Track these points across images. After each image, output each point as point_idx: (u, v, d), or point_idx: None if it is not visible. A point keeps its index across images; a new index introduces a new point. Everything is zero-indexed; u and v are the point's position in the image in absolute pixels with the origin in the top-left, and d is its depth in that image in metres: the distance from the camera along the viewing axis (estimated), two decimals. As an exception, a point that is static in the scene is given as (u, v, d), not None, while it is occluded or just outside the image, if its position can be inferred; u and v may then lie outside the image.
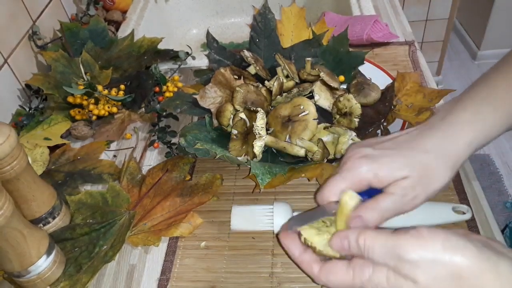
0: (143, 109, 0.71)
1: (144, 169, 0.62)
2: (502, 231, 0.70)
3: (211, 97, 0.63)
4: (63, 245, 0.51)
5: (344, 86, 0.67)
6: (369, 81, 0.65)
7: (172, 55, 0.79)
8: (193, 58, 0.81)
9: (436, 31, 1.81)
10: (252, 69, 0.67)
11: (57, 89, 0.71)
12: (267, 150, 0.58)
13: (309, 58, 0.66)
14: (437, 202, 0.52)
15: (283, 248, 0.40)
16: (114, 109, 0.69)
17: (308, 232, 0.38)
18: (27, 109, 0.73)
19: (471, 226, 0.50)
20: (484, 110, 0.39)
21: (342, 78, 0.67)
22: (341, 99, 0.61)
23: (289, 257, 0.40)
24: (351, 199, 0.37)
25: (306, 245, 0.38)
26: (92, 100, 0.68)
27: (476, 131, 0.39)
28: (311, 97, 0.63)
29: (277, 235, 0.47)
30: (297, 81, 0.65)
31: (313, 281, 0.37)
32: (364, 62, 0.68)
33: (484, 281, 0.27)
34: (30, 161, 0.49)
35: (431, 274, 0.28)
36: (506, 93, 0.39)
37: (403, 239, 0.30)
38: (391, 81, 0.65)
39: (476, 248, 0.28)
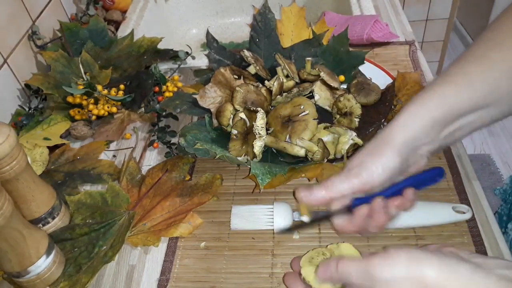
0: (143, 109, 0.71)
1: (144, 169, 0.62)
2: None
3: (211, 97, 0.63)
4: (62, 245, 0.51)
5: (344, 86, 0.67)
6: (369, 81, 0.65)
7: (172, 55, 0.79)
8: (193, 58, 0.81)
9: (436, 31, 1.81)
10: (252, 69, 0.66)
11: (57, 89, 0.71)
12: (267, 150, 0.58)
13: (309, 58, 0.66)
14: (438, 202, 0.51)
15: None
16: (114, 109, 0.69)
17: (307, 270, 0.41)
18: (27, 109, 0.73)
19: (472, 226, 0.50)
20: (444, 86, 0.39)
21: (342, 78, 0.67)
22: (341, 99, 0.61)
23: None
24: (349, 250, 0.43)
25: (305, 283, 0.41)
26: (92, 100, 0.68)
27: (435, 106, 0.38)
28: (311, 97, 0.63)
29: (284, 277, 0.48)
30: (297, 81, 0.65)
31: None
32: (364, 62, 0.68)
33: (447, 285, 0.29)
34: (29, 161, 0.49)
35: None
36: (466, 69, 0.38)
37: (373, 260, 0.32)
38: (391, 81, 0.65)
39: (436, 258, 0.30)
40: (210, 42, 0.71)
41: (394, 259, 0.31)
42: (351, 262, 0.34)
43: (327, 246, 0.45)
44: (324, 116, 0.61)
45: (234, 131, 0.57)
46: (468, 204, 0.52)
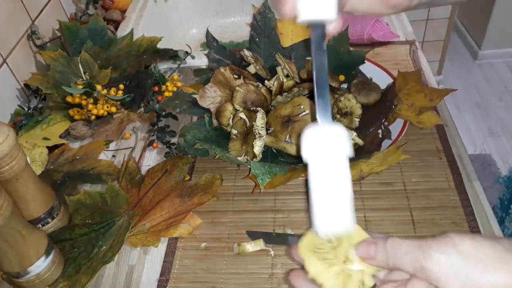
0: (142, 108, 0.71)
1: (143, 169, 0.61)
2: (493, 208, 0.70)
3: (210, 96, 0.63)
4: (62, 246, 0.51)
5: (345, 86, 0.67)
6: (370, 80, 0.65)
7: (172, 55, 0.78)
8: (193, 57, 0.81)
9: (437, 31, 1.81)
10: (252, 69, 0.66)
11: (56, 89, 0.71)
12: (267, 150, 0.58)
13: (309, 58, 0.65)
14: None
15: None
16: (113, 109, 0.69)
17: (315, 267, 0.33)
18: (26, 109, 0.73)
19: (472, 226, 0.50)
20: None
21: (342, 77, 0.67)
22: (342, 98, 0.61)
23: None
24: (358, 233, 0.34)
25: (316, 284, 0.33)
26: (91, 100, 0.68)
27: None
28: (311, 97, 0.62)
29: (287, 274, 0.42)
30: (297, 80, 0.65)
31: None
32: (365, 61, 0.68)
33: None
34: (29, 161, 0.48)
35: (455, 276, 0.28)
36: None
37: (432, 241, 0.30)
38: (392, 80, 0.65)
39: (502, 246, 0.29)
40: (210, 42, 0.71)
41: (456, 243, 0.29)
42: (404, 240, 0.31)
43: None
44: (324, 116, 0.61)
45: (234, 131, 0.57)
46: (469, 205, 0.52)
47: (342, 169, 0.32)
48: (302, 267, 0.33)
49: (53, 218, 0.52)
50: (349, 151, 0.32)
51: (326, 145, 0.32)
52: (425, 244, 0.29)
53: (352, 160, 0.54)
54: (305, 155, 0.32)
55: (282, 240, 0.51)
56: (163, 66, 0.80)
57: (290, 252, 0.36)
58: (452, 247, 0.29)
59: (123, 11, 0.97)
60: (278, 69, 0.66)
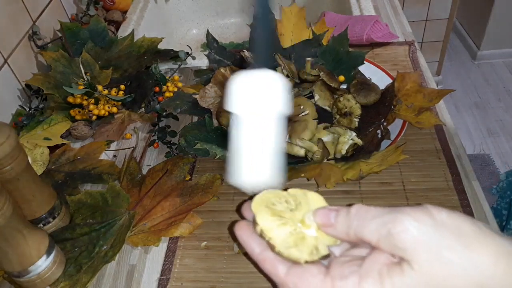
0: (143, 109, 0.71)
1: (144, 169, 0.62)
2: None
3: (211, 97, 0.63)
4: (63, 245, 0.51)
5: (344, 86, 0.67)
6: (369, 81, 0.65)
7: (172, 55, 0.79)
8: (193, 58, 0.81)
9: (436, 31, 1.81)
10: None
11: (57, 89, 0.71)
12: (267, 150, 0.58)
13: (309, 58, 0.66)
14: None
15: (236, 239, 0.31)
16: (114, 109, 0.69)
17: (266, 222, 0.28)
18: (27, 109, 0.73)
19: (471, 226, 0.50)
20: None
21: (342, 78, 0.67)
22: (341, 99, 0.61)
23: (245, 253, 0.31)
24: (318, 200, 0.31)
25: (263, 238, 0.28)
26: (92, 100, 0.68)
27: None
28: (311, 97, 0.63)
29: (230, 226, 0.36)
30: (297, 81, 0.65)
31: (274, 286, 0.29)
32: (364, 62, 0.68)
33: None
34: (30, 161, 0.49)
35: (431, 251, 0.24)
36: None
37: (404, 207, 0.26)
38: (391, 81, 0.65)
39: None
40: (210, 42, 0.71)
41: (433, 212, 0.25)
42: (372, 207, 0.27)
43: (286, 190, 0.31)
44: (324, 116, 0.61)
45: (234, 131, 0.57)
46: (468, 205, 0.52)
47: (273, 123, 0.27)
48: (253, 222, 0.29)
49: (54, 218, 0.52)
50: (283, 104, 0.26)
51: (256, 94, 0.26)
52: (397, 209, 0.26)
53: (351, 160, 0.55)
54: (232, 104, 0.27)
55: None
56: (163, 67, 0.80)
57: (240, 207, 0.31)
58: (428, 215, 0.25)
59: (124, 12, 0.97)
60: (278, 69, 0.66)
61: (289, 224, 0.29)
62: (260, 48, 0.29)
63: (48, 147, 0.63)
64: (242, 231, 0.30)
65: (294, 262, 0.28)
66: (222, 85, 0.64)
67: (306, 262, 0.27)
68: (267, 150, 0.28)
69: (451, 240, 0.24)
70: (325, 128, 0.58)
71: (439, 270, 0.24)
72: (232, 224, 0.32)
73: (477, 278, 0.24)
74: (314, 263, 0.28)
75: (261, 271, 0.29)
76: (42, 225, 0.51)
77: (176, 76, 0.76)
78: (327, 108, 0.62)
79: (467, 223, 0.25)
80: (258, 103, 0.26)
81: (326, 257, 0.28)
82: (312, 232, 0.29)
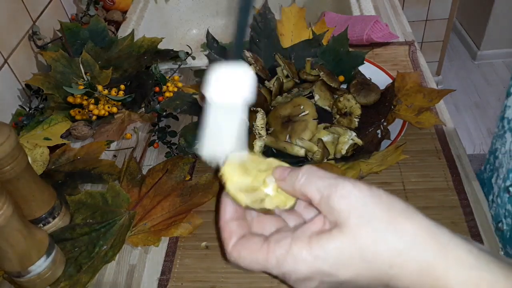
0: (143, 109, 0.71)
1: (144, 169, 0.62)
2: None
3: (211, 97, 0.63)
4: (63, 245, 0.51)
5: (344, 86, 0.67)
6: (369, 81, 0.65)
7: (172, 55, 0.79)
8: (193, 58, 0.81)
9: (436, 31, 1.81)
10: (252, 69, 0.66)
11: (57, 89, 0.71)
12: (267, 150, 0.58)
13: (309, 58, 0.66)
14: None
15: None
16: (114, 109, 0.69)
17: (231, 169, 0.32)
18: (27, 109, 0.73)
19: (471, 226, 0.50)
20: None
21: (342, 78, 0.67)
22: (341, 99, 0.61)
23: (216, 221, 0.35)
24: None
25: (221, 181, 0.32)
26: (92, 100, 0.68)
27: None
28: (311, 97, 0.63)
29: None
30: (297, 81, 0.65)
31: (224, 258, 0.31)
32: (364, 62, 0.68)
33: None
34: (30, 161, 0.49)
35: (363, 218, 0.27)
36: None
37: (349, 178, 0.29)
38: (391, 81, 0.65)
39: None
40: (210, 42, 0.71)
41: (373, 189, 0.28)
42: (321, 169, 0.30)
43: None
44: (324, 116, 0.61)
45: (234, 131, 0.57)
46: (468, 205, 0.52)
47: (238, 107, 0.32)
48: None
49: (54, 218, 0.52)
50: (248, 92, 0.32)
51: (227, 82, 0.32)
52: (342, 177, 0.29)
53: (351, 160, 0.55)
54: (206, 90, 0.32)
55: None
56: (163, 67, 0.80)
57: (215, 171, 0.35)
58: (368, 188, 0.28)
59: (124, 12, 0.97)
60: (278, 69, 0.66)
61: (250, 177, 0.32)
62: (237, 36, 0.34)
63: (48, 147, 0.63)
64: (226, 197, 0.33)
65: (237, 204, 0.31)
66: (222, 85, 0.64)
67: (247, 206, 0.31)
68: (232, 128, 0.32)
69: (382, 211, 0.27)
70: (325, 128, 0.58)
71: (365, 235, 0.27)
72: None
73: (398, 246, 0.26)
74: (254, 210, 0.31)
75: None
76: (42, 225, 0.51)
77: (176, 76, 0.76)
78: (327, 108, 0.62)
79: (399, 202, 0.28)
80: (227, 90, 0.31)
81: (267, 211, 0.31)
82: (268, 191, 0.32)
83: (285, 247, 0.28)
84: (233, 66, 0.32)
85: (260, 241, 0.30)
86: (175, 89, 0.72)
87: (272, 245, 0.29)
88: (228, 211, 0.32)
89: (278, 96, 0.62)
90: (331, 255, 0.27)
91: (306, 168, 0.30)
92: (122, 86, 0.72)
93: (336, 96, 0.63)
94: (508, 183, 0.47)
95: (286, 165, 0.33)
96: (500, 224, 0.48)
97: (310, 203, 0.30)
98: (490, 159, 0.54)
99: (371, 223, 0.27)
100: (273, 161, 0.34)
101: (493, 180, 0.52)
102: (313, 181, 0.29)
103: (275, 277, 0.30)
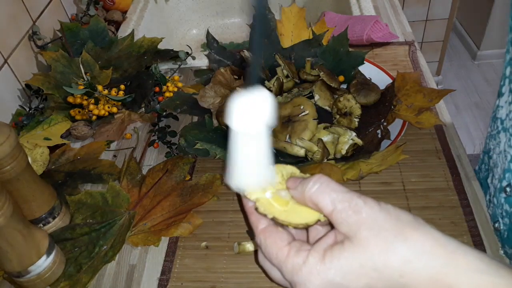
0: (143, 109, 0.71)
1: (144, 169, 0.62)
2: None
3: (211, 97, 0.63)
4: (63, 245, 0.51)
5: (344, 86, 0.67)
6: (369, 81, 0.65)
7: (172, 55, 0.79)
8: (193, 58, 0.81)
9: (436, 31, 1.81)
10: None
11: (57, 89, 0.71)
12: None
13: (309, 58, 0.66)
14: None
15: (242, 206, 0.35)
16: (114, 109, 0.69)
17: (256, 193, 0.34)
18: (27, 109, 0.73)
19: (471, 226, 0.50)
20: None
21: (342, 78, 0.67)
22: (341, 99, 0.61)
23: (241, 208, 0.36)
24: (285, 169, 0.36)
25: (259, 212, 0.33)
26: (92, 100, 0.68)
27: None
28: (311, 97, 0.63)
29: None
30: (297, 81, 0.65)
31: (251, 238, 0.33)
32: (364, 62, 0.68)
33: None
34: (30, 161, 0.49)
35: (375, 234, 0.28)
36: None
37: (367, 199, 0.30)
38: (391, 81, 0.65)
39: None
40: (210, 43, 0.71)
41: (381, 203, 0.29)
42: (334, 182, 0.31)
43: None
44: (324, 116, 0.61)
45: (234, 131, 0.57)
46: (468, 205, 0.52)
47: (262, 133, 0.33)
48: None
49: (54, 218, 0.52)
50: (270, 118, 0.32)
51: (249, 111, 0.32)
52: (353, 192, 0.30)
53: (351, 160, 0.55)
54: (230, 120, 0.32)
55: None
56: (163, 67, 0.80)
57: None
58: (377, 203, 0.29)
59: (124, 12, 0.97)
60: (278, 69, 0.66)
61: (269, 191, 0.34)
62: (255, 48, 0.34)
63: (48, 147, 0.63)
64: (251, 213, 0.35)
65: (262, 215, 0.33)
66: (222, 85, 0.64)
67: (274, 218, 0.32)
68: (257, 156, 0.34)
69: (391, 223, 0.28)
70: (325, 128, 0.58)
71: (375, 245, 0.28)
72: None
73: (407, 255, 0.27)
74: (279, 223, 0.33)
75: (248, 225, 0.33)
76: (42, 225, 0.51)
77: (176, 76, 0.76)
78: (327, 108, 0.62)
79: (406, 214, 0.29)
80: (249, 118, 0.32)
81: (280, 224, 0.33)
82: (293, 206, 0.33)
83: (302, 258, 0.30)
84: (252, 92, 0.32)
85: (286, 239, 0.32)
86: (175, 89, 0.72)
87: (293, 252, 0.31)
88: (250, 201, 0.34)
89: (278, 96, 0.62)
90: (343, 266, 0.28)
91: (318, 177, 0.31)
92: (122, 86, 0.72)
93: (336, 96, 0.63)
94: (504, 183, 0.47)
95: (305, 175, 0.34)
96: (497, 225, 0.48)
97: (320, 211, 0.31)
98: (485, 159, 0.55)
99: (380, 234, 0.28)
100: (295, 172, 0.35)
101: (488, 180, 0.52)
102: (326, 192, 0.30)
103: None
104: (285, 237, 0.32)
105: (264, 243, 0.32)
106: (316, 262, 0.29)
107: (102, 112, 0.68)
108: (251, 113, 0.32)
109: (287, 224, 0.32)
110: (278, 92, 0.63)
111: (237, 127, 0.32)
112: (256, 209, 0.33)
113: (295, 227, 0.32)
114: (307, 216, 0.32)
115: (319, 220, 0.32)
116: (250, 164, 0.34)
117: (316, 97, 0.62)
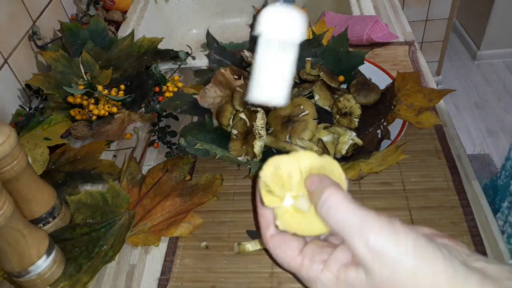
0: (143, 109, 0.71)
1: (144, 169, 0.62)
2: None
3: (211, 97, 0.63)
4: (63, 245, 0.51)
5: (344, 86, 0.67)
6: (369, 81, 0.65)
7: (172, 55, 0.79)
8: (193, 58, 0.81)
9: (436, 31, 1.81)
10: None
11: (57, 89, 0.71)
12: (267, 150, 0.58)
13: (309, 58, 0.66)
14: None
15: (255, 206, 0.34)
16: (114, 109, 0.69)
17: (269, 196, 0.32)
18: (27, 109, 0.73)
19: (471, 226, 0.50)
20: None
21: (342, 78, 0.67)
22: (341, 99, 0.61)
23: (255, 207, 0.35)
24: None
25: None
26: (92, 100, 0.68)
27: None
28: (311, 97, 0.63)
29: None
30: (297, 81, 0.65)
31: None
32: (364, 62, 0.68)
33: None
34: (30, 161, 0.49)
35: (390, 268, 0.27)
36: None
37: (375, 224, 0.27)
38: (391, 81, 0.65)
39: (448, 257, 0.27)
40: (210, 43, 0.71)
41: (400, 237, 0.27)
42: (345, 202, 0.28)
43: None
44: (324, 116, 0.61)
45: (234, 131, 0.57)
46: (468, 205, 0.52)
47: (290, 51, 0.33)
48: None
49: (54, 218, 0.52)
50: (300, 36, 0.32)
51: (281, 24, 0.32)
52: (365, 215, 0.27)
53: (351, 160, 0.55)
54: (259, 29, 0.32)
55: None
56: (163, 67, 0.80)
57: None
58: (391, 225, 0.27)
59: (124, 12, 0.97)
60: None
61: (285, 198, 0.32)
62: None
63: (48, 147, 0.63)
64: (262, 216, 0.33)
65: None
66: (222, 85, 0.64)
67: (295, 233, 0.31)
68: (281, 71, 0.33)
69: (406, 249, 0.26)
70: (325, 128, 0.58)
71: (390, 275, 0.26)
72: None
73: (423, 284, 0.26)
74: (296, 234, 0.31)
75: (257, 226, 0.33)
76: (42, 225, 0.51)
77: (176, 76, 0.76)
78: (327, 108, 0.62)
79: (423, 240, 0.27)
80: (280, 31, 0.32)
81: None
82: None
83: (316, 272, 0.30)
84: (286, 7, 0.32)
85: (297, 248, 0.31)
86: (175, 89, 0.72)
87: (306, 262, 0.30)
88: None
89: (278, 96, 0.62)
90: None
91: (328, 195, 0.29)
92: (122, 86, 0.72)
93: (336, 96, 0.63)
94: None
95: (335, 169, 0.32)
96: None
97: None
98: (507, 165, 0.54)
99: (394, 264, 0.26)
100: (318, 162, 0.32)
101: (511, 188, 0.51)
102: (336, 214, 0.29)
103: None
104: (295, 245, 0.31)
105: (274, 252, 0.32)
106: (329, 281, 0.29)
107: (102, 112, 0.68)
108: (282, 24, 0.32)
109: (307, 235, 0.31)
110: (278, 92, 0.63)
111: (267, 33, 0.32)
112: (277, 226, 0.31)
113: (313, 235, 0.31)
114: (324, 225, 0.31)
115: None
116: (272, 77, 0.33)
117: (316, 97, 0.62)
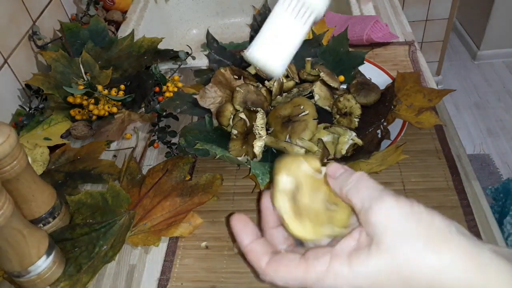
0: (143, 109, 0.71)
1: (144, 169, 0.62)
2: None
3: (211, 97, 0.63)
4: (63, 245, 0.51)
5: (344, 86, 0.67)
6: (369, 81, 0.65)
7: (172, 55, 0.79)
8: (193, 58, 0.81)
9: (436, 31, 1.81)
10: (252, 69, 0.67)
11: (57, 89, 0.71)
12: (267, 150, 0.58)
13: (309, 58, 0.66)
14: None
15: (231, 231, 0.33)
16: (114, 109, 0.69)
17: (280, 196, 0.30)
18: (27, 109, 0.73)
19: (471, 225, 0.50)
20: None
21: (342, 78, 0.67)
22: (341, 99, 0.61)
23: (235, 241, 0.33)
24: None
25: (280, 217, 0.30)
26: (92, 100, 0.68)
27: None
28: (311, 97, 0.63)
29: (227, 221, 0.39)
30: (297, 81, 0.65)
31: (257, 277, 0.31)
32: (364, 62, 0.68)
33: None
34: (30, 161, 0.49)
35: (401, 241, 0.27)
36: None
37: (393, 192, 0.28)
38: (391, 81, 0.65)
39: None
40: (210, 43, 0.71)
41: (413, 205, 0.27)
42: (371, 180, 0.30)
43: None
44: (324, 116, 0.61)
45: (234, 131, 0.57)
46: (468, 204, 0.52)
47: (306, 24, 0.32)
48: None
49: (54, 218, 0.52)
50: (322, 8, 0.32)
51: None
52: (387, 191, 0.29)
53: (351, 160, 0.55)
54: None
55: None
56: (163, 67, 0.80)
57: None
58: (409, 204, 0.28)
59: (124, 12, 0.97)
60: (278, 69, 0.66)
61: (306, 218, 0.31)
62: None
63: (48, 147, 0.63)
64: (236, 221, 0.32)
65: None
66: (222, 85, 0.64)
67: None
68: (288, 39, 0.32)
69: (421, 230, 0.27)
70: (325, 128, 0.58)
71: (403, 254, 0.26)
72: (229, 216, 0.35)
73: (436, 266, 0.26)
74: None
75: (247, 262, 0.32)
76: (42, 225, 0.51)
77: (176, 76, 0.76)
78: (327, 108, 0.62)
79: (440, 219, 0.27)
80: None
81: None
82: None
83: (325, 264, 0.28)
84: None
85: (296, 257, 0.30)
86: (175, 89, 0.72)
87: (311, 261, 0.29)
88: (245, 234, 0.32)
89: (278, 96, 0.62)
90: (371, 273, 0.27)
91: (358, 175, 0.30)
92: (122, 86, 0.72)
93: (336, 96, 0.63)
94: None
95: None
96: None
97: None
98: None
99: (408, 242, 0.26)
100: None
101: None
102: (359, 188, 0.29)
103: None
104: (292, 256, 0.30)
105: (277, 275, 0.29)
106: (341, 267, 0.28)
107: (102, 112, 0.68)
108: None
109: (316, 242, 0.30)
110: (278, 92, 0.63)
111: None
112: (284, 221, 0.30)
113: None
114: (331, 229, 0.30)
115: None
116: (277, 42, 0.32)
117: (316, 97, 0.62)
